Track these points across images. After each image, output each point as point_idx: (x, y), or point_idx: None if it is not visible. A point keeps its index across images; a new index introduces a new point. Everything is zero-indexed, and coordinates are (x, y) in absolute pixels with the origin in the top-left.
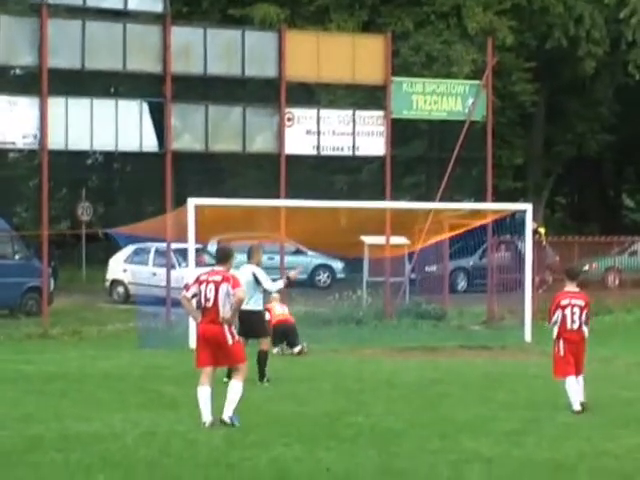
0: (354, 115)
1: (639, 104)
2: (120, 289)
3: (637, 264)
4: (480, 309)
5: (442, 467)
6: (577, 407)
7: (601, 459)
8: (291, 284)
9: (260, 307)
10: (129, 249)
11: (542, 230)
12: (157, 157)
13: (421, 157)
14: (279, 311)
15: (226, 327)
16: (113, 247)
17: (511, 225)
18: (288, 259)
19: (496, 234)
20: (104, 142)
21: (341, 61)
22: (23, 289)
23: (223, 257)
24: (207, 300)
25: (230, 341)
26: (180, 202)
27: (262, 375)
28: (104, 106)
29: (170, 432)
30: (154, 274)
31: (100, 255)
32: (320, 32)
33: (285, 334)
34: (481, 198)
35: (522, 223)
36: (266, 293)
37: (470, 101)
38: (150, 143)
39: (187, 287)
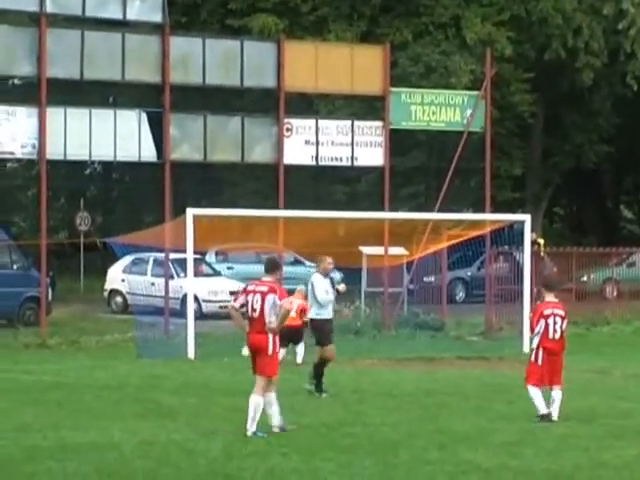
0: (353, 125)
1: (637, 115)
2: (118, 299)
3: (635, 275)
4: (478, 320)
5: (440, 478)
6: (545, 410)
7: (598, 470)
8: (339, 295)
9: (317, 316)
10: (127, 259)
11: (541, 241)
12: (156, 167)
13: (420, 168)
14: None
15: (271, 337)
16: (111, 257)
17: (509, 236)
18: (286, 269)
19: (494, 245)
20: (103, 152)
21: (340, 71)
22: (21, 299)
23: (270, 267)
24: (254, 310)
25: (270, 351)
26: (178, 212)
27: (318, 384)
28: (103, 116)
29: (168, 442)
30: (152, 284)
31: (98, 265)
32: (319, 42)
33: (290, 338)
34: (479, 209)
35: (520, 234)
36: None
37: (469, 112)
38: (149, 153)
39: (235, 297)
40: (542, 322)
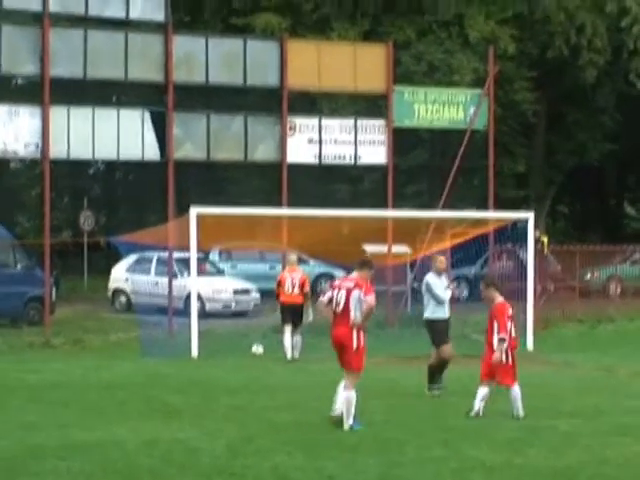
0: (356, 124)
1: None
2: (122, 298)
3: (639, 273)
4: (482, 318)
5: (444, 475)
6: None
7: (601, 467)
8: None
9: (433, 315)
10: (131, 258)
11: (544, 239)
12: (159, 166)
13: (423, 166)
14: (288, 288)
15: (355, 331)
16: (115, 256)
17: (513, 234)
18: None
19: (498, 243)
20: (106, 151)
21: (343, 70)
22: (25, 298)
23: (361, 265)
24: (337, 305)
25: (355, 346)
26: (182, 211)
27: (432, 381)
28: (106, 115)
29: (172, 440)
30: (156, 283)
31: (102, 264)
32: (322, 41)
33: (292, 315)
34: (483, 207)
35: (524, 232)
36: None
37: (472, 110)
38: (152, 152)
39: (324, 293)
40: (509, 323)
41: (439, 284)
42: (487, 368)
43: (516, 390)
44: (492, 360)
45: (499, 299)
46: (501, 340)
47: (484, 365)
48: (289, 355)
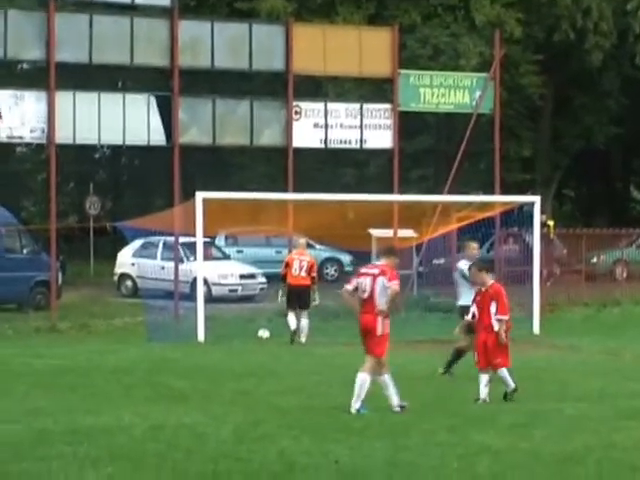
0: (361, 108)
1: None
2: (128, 283)
3: None
4: None
5: (450, 459)
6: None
7: (609, 451)
8: None
9: (466, 302)
10: (137, 243)
11: (550, 223)
12: (165, 151)
13: (429, 150)
14: (296, 270)
15: (380, 318)
16: (121, 241)
17: (519, 218)
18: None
19: (504, 227)
20: (112, 136)
21: (348, 54)
22: (31, 283)
23: (384, 252)
24: (363, 292)
25: (379, 332)
26: (188, 196)
27: (449, 366)
28: (112, 100)
29: (179, 425)
30: (162, 268)
31: (108, 249)
32: (327, 25)
33: (298, 297)
34: (489, 191)
35: (530, 216)
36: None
37: (477, 94)
38: (158, 137)
39: (349, 281)
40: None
41: None
42: (482, 355)
43: (503, 370)
44: (500, 343)
45: (491, 281)
46: (500, 321)
47: (479, 352)
48: (293, 327)
